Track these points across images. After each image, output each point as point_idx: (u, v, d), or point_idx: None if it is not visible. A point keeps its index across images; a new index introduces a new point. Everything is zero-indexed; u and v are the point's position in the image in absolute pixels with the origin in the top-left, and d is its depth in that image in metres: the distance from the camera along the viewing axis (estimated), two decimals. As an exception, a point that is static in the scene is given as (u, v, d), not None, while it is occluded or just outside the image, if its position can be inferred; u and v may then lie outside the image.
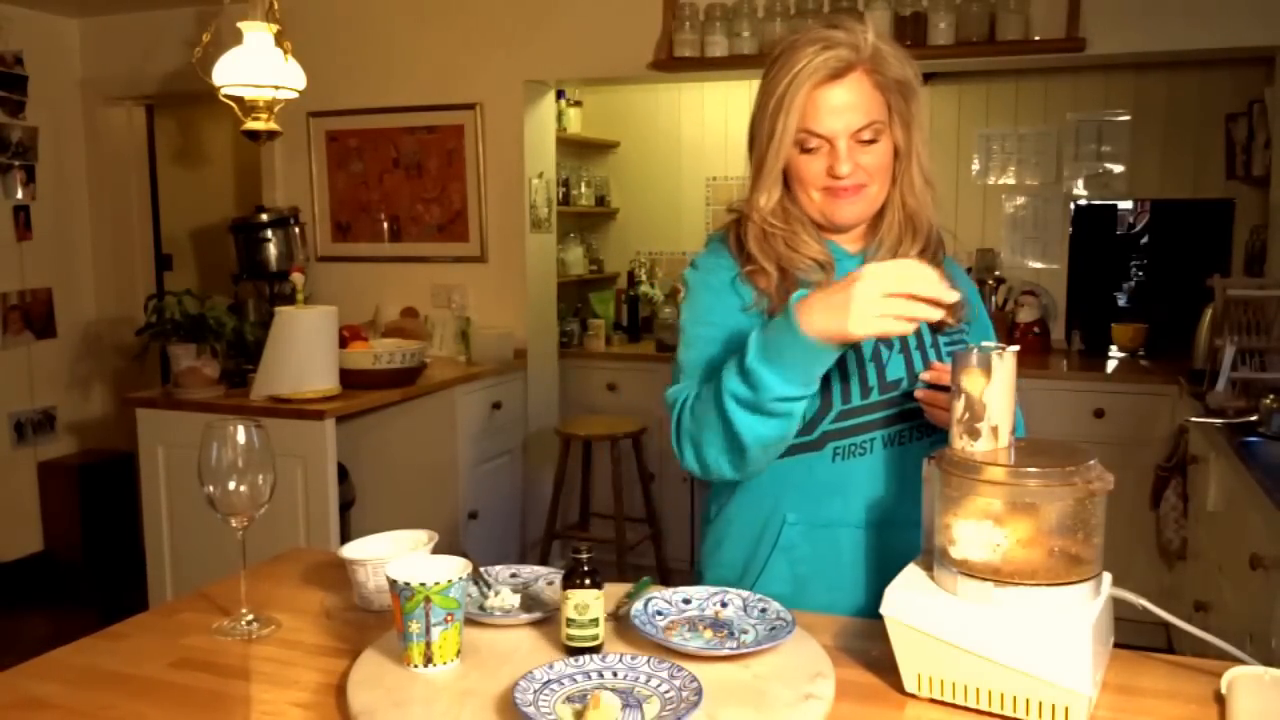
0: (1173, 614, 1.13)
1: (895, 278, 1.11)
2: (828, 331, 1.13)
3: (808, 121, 1.30)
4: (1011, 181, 4.31)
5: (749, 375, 1.19)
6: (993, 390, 1.09)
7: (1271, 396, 2.55)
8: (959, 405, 1.11)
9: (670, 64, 3.73)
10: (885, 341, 1.36)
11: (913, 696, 1.08)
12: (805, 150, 1.33)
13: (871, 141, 1.32)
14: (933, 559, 1.11)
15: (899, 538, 1.34)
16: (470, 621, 1.20)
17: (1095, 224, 4.20)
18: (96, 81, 4.62)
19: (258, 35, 3.21)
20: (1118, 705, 1.06)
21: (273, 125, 3.29)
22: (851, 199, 1.35)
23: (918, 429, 1.38)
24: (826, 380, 1.31)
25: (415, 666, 1.11)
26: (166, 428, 3.28)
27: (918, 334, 1.40)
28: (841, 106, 1.30)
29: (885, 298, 1.10)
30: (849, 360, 1.35)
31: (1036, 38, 3.36)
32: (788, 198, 1.39)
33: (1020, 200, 4.30)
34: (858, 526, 1.37)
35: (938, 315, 1.12)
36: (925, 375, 1.33)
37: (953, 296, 1.12)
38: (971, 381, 1.10)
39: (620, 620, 1.23)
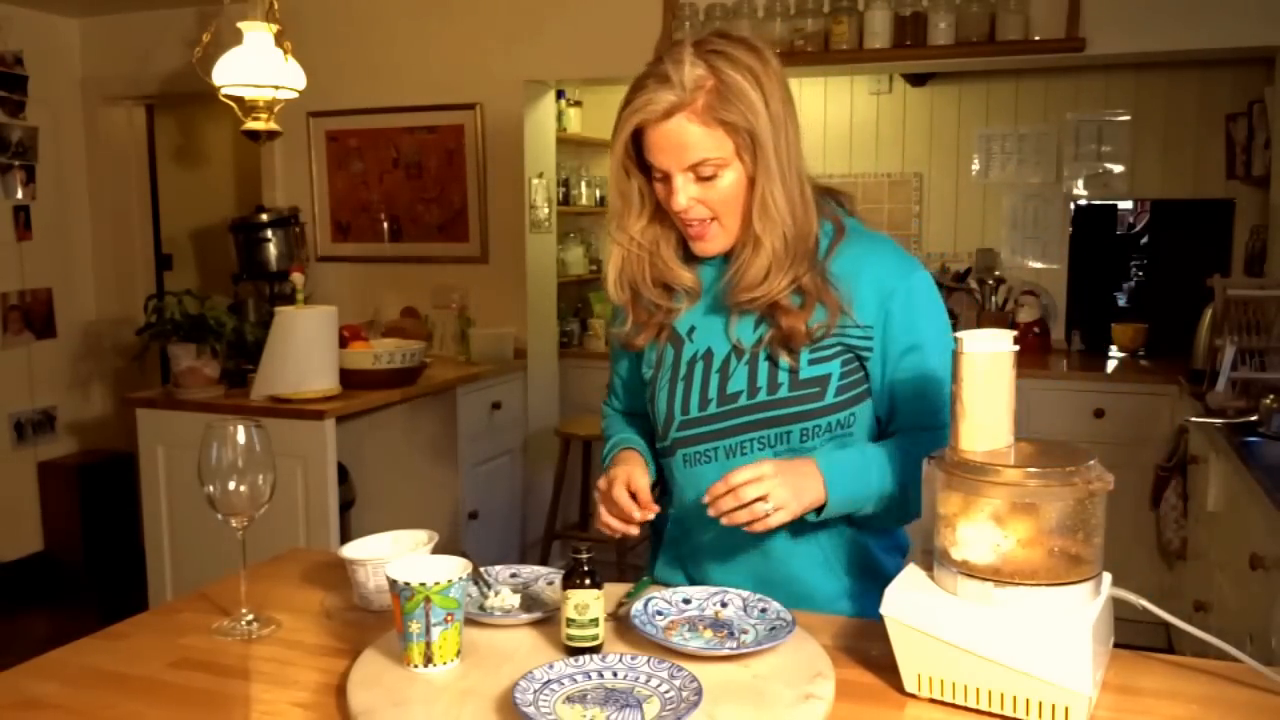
0: (1173, 614, 1.13)
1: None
2: None
3: (648, 153, 1.32)
4: (1012, 181, 4.31)
5: None
6: (991, 390, 1.09)
7: (1271, 396, 2.55)
8: (958, 405, 1.11)
9: (670, 64, 3.72)
10: (737, 351, 1.36)
11: (913, 696, 1.08)
12: (658, 180, 1.34)
13: (711, 178, 1.29)
14: (933, 559, 1.11)
15: (756, 539, 1.36)
16: (470, 621, 1.20)
17: (1095, 224, 4.20)
18: (96, 81, 4.62)
19: (258, 35, 3.21)
20: (1118, 705, 1.06)
21: (273, 125, 3.29)
22: (699, 235, 1.34)
23: (758, 441, 1.35)
24: (671, 391, 1.39)
25: (415, 666, 1.11)
26: (166, 428, 3.28)
27: (770, 347, 1.34)
28: (669, 146, 1.29)
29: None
30: (696, 371, 1.38)
31: (1036, 38, 3.36)
32: (662, 222, 1.39)
33: (1020, 200, 4.30)
34: (714, 525, 1.34)
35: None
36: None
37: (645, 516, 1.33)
38: (968, 381, 1.10)
39: (620, 620, 1.24)
